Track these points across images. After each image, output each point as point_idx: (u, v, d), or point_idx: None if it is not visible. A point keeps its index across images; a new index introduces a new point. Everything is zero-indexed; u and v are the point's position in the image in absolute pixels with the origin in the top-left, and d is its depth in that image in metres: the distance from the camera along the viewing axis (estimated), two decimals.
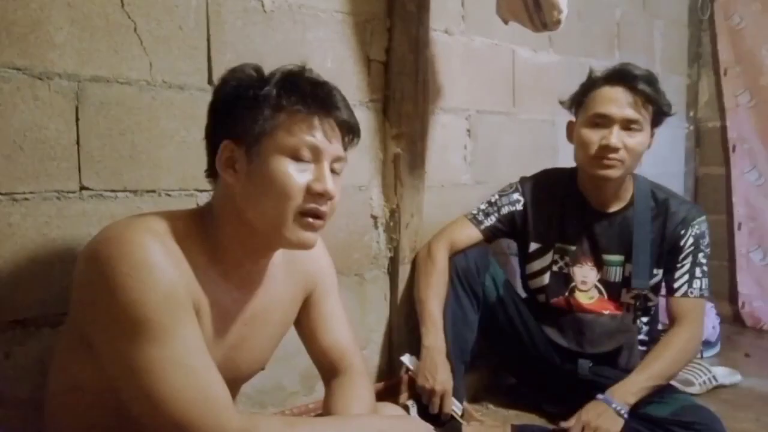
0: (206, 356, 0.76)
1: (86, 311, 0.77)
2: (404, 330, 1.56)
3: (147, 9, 1.08)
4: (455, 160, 1.74)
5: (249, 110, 0.81)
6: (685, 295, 1.45)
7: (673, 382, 1.46)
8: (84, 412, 0.82)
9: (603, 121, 1.41)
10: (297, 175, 0.81)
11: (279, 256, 0.93)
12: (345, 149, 0.87)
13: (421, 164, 1.56)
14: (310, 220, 0.82)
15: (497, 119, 1.86)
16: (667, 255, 1.48)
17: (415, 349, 1.45)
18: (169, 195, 1.13)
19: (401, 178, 1.52)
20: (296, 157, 0.81)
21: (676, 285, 1.46)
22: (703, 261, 1.47)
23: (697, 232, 1.47)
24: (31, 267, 0.99)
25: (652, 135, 1.46)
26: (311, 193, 0.81)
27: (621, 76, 1.41)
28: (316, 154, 0.82)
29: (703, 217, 1.49)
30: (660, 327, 1.65)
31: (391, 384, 1.48)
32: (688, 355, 1.44)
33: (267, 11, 1.26)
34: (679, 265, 1.47)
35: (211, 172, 0.87)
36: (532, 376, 1.61)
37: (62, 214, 1.01)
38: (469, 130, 1.77)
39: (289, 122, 0.81)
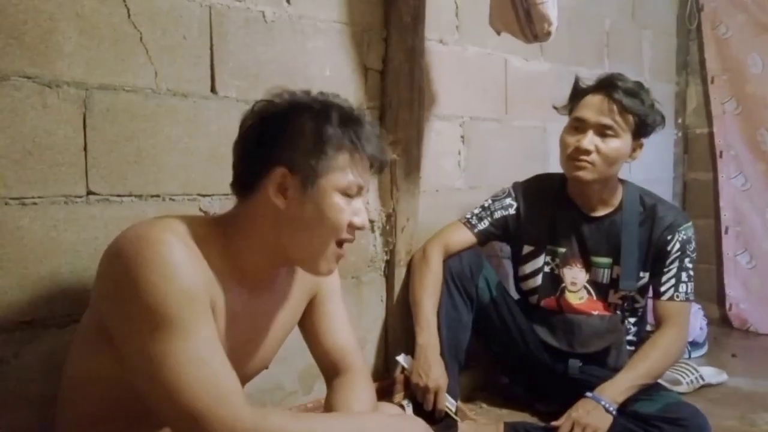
0: (221, 351, 0.79)
1: (108, 305, 0.80)
2: (400, 331, 1.59)
3: (152, 19, 1.12)
4: (449, 166, 1.79)
5: (310, 145, 0.85)
6: (671, 298, 1.50)
7: (660, 381, 1.51)
8: (97, 402, 0.86)
9: (580, 125, 1.48)
10: (346, 211, 0.87)
11: None
12: None
13: (416, 169, 1.60)
14: (341, 251, 0.90)
15: (490, 126, 1.91)
16: (654, 260, 1.52)
17: (411, 350, 1.49)
18: (173, 199, 1.16)
19: (397, 183, 1.56)
20: (347, 194, 0.88)
21: (662, 289, 1.51)
22: (689, 266, 1.52)
23: (684, 237, 1.51)
24: (38, 269, 1.01)
25: (637, 146, 1.51)
26: (351, 227, 0.89)
27: (603, 85, 1.48)
28: (359, 191, 0.90)
29: (690, 224, 1.54)
30: (648, 328, 1.69)
31: (386, 384, 1.51)
32: (674, 356, 1.48)
33: (268, 22, 1.30)
34: (666, 270, 1.51)
35: (242, 186, 0.89)
36: (524, 376, 1.65)
37: (70, 218, 1.04)
38: (462, 137, 1.81)
39: (347, 163, 0.87)
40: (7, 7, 0.96)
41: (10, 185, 0.98)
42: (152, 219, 0.85)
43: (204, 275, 0.82)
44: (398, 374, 1.54)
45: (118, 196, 1.10)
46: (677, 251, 1.51)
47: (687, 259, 1.51)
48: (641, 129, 1.49)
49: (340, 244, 0.89)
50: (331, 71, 1.43)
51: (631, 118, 1.46)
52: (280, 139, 0.86)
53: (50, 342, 1.02)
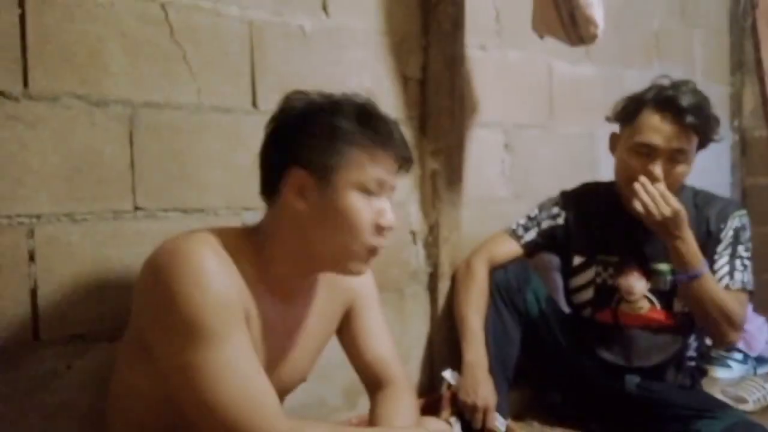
0: (256, 362, 0.79)
1: (147, 317, 0.81)
2: (445, 346, 1.55)
3: (194, 37, 1.14)
4: (492, 175, 1.75)
5: (323, 141, 0.83)
6: (726, 287, 1.39)
7: (725, 399, 1.42)
8: (142, 416, 0.87)
9: (648, 151, 1.37)
10: (367, 211, 0.84)
11: None
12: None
13: (458, 179, 1.58)
14: (370, 257, 0.87)
15: (534, 133, 1.86)
16: (710, 252, 1.44)
17: (457, 365, 1.45)
18: (216, 214, 1.17)
19: (439, 194, 1.53)
20: (365, 190, 0.84)
21: (717, 276, 1.40)
22: (744, 254, 1.42)
23: (737, 224, 1.43)
24: (88, 284, 1.04)
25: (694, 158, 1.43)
26: (377, 228, 0.85)
27: (668, 105, 1.36)
28: (381, 188, 0.86)
29: (743, 211, 1.46)
30: (708, 342, 1.60)
31: (432, 400, 1.48)
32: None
33: (306, 35, 1.30)
34: (717, 257, 1.42)
35: (267, 192, 0.89)
36: (577, 393, 1.58)
37: (117, 233, 1.06)
38: (506, 144, 1.77)
39: (362, 157, 0.84)
40: (58, 32, 1.00)
41: (62, 202, 1.01)
42: (187, 232, 0.86)
43: (237, 286, 0.81)
44: (444, 390, 1.50)
45: (164, 210, 1.11)
46: (730, 237, 1.42)
47: (741, 247, 1.42)
48: (704, 144, 1.41)
49: (370, 251, 0.86)
50: (370, 82, 1.42)
51: (697, 137, 1.37)
52: (295, 140, 0.85)
53: (100, 355, 1.04)
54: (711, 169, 2.47)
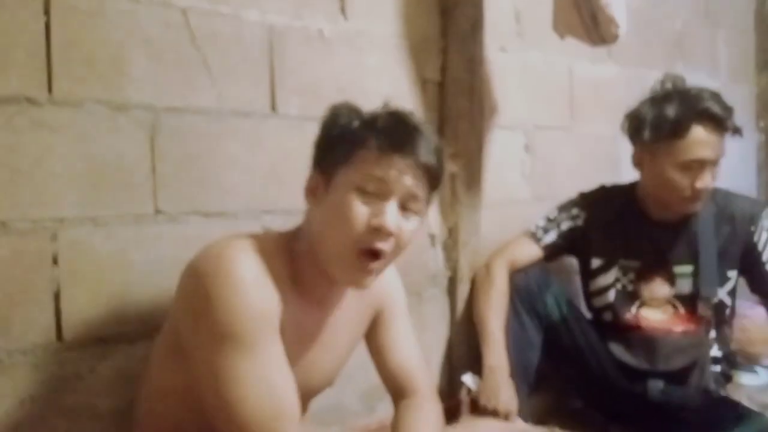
0: (285, 371, 0.80)
1: (183, 319, 0.82)
2: (464, 350, 1.54)
3: (215, 42, 1.15)
4: (513, 177, 1.73)
5: (335, 144, 0.86)
6: None
7: (751, 405, 1.39)
8: (172, 415, 0.88)
9: (695, 164, 1.37)
10: (360, 209, 0.81)
11: None
12: (428, 192, 0.86)
13: (478, 182, 1.56)
14: (367, 264, 0.83)
15: (556, 134, 1.84)
16: (744, 256, 1.45)
17: (476, 369, 1.43)
18: (236, 217, 1.18)
19: (458, 196, 1.52)
20: (364, 191, 0.82)
21: None
22: None
23: None
24: (110, 287, 1.05)
25: None
26: (370, 228, 0.81)
27: (710, 117, 1.36)
28: (383, 190, 0.82)
29: None
30: (734, 346, 1.57)
31: (451, 405, 1.47)
32: None
33: (326, 39, 1.31)
34: (764, 260, 1.44)
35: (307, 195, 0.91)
36: (599, 398, 1.56)
37: (139, 236, 1.07)
38: (526, 146, 1.76)
39: (367, 158, 0.82)
40: (83, 38, 1.01)
41: (85, 205, 1.02)
42: (229, 237, 0.86)
43: (273, 294, 0.82)
44: (464, 395, 1.48)
45: (185, 214, 1.12)
46: (766, 240, 1.43)
47: None
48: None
49: (363, 254, 0.82)
50: (389, 85, 1.42)
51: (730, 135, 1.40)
52: (317, 146, 0.89)
53: (122, 358, 1.05)
54: (736, 170, 2.42)
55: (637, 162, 1.48)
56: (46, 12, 0.98)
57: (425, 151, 0.84)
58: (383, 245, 0.82)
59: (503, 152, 1.68)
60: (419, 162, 0.83)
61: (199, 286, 0.78)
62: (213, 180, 1.15)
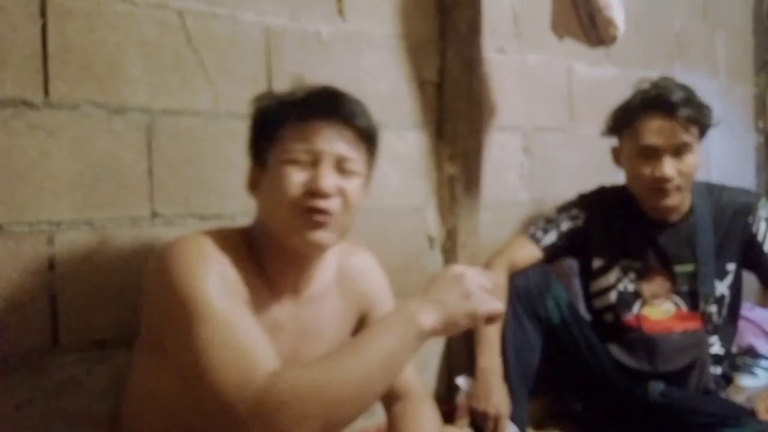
0: (253, 331, 0.77)
1: (154, 307, 0.83)
2: (462, 352, 1.54)
3: (212, 44, 1.14)
4: (511, 179, 1.73)
5: (259, 131, 0.89)
6: None
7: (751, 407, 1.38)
8: (158, 419, 0.87)
9: (651, 153, 1.39)
10: (294, 176, 0.84)
11: (332, 273, 0.95)
12: (364, 149, 0.89)
13: (476, 184, 1.56)
14: (312, 216, 0.83)
15: (554, 136, 1.84)
16: (744, 248, 1.46)
17: (474, 372, 1.43)
18: (233, 219, 1.17)
19: (457, 199, 1.52)
20: (294, 162, 0.84)
21: None
22: None
23: (766, 215, 1.45)
24: (107, 290, 1.05)
25: (702, 147, 1.45)
26: (308, 193, 0.83)
27: (659, 104, 1.38)
28: (315, 157, 0.84)
29: (764, 200, 1.48)
30: (734, 350, 1.57)
31: (448, 408, 1.46)
32: None
33: (323, 40, 1.30)
34: (767, 249, 1.44)
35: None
36: (600, 401, 1.55)
37: (135, 239, 1.07)
38: (525, 148, 1.75)
39: (288, 133, 0.85)
40: (79, 41, 1.01)
41: (81, 208, 1.02)
42: (191, 232, 0.87)
43: (237, 275, 0.82)
44: (460, 398, 1.48)
45: (182, 217, 1.12)
46: (765, 230, 1.44)
47: None
48: (704, 131, 1.43)
49: (305, 212, 0.83)
50: (387, 86, 1.42)
51: (696, 127, 1.40)
52: (249, 143, 0.91)
53: (119, 361, 1.05)
54: (735, 172, 2.42)
55: (615, 159, 1.52)
56: (43, 14, 0.98)
57: (348, 111, 0.87)
58: (324, 204, 0.83)
59: (502, 154, 1.68)
60: (344, 122, 0.86)
61: (160, 269, 0.80)
62: (210, 182, 1.15)
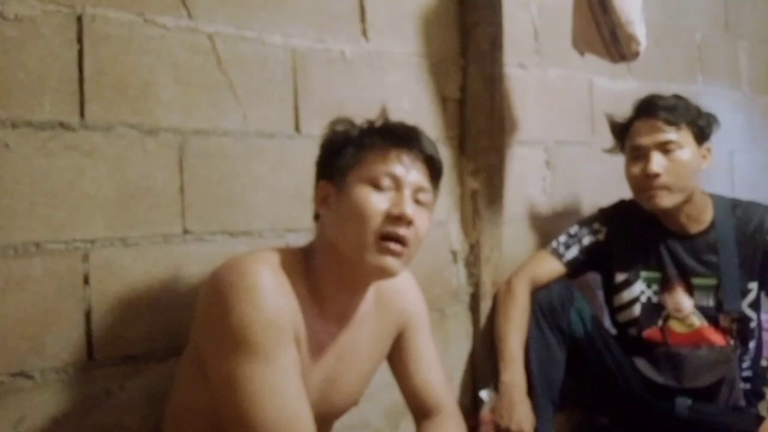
0: (298, 384, 0.80)
1: (201, 330, 0.85)
2: (487, 366, 1.53)
3: (240, 65, 1.17)
4: (534, 193, 1.73)
5: (339, 151, 0.91)
6: None
7: None
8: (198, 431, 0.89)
9: (639, 153, 1.43)
10: (376, 200, 0.85)
11: (372, 294, 0.96)
12: (433, 182, 0.92)
13: (499, 198, 1.57)
14: (390, 244, 0.84)
15: (576, 149, 1.83)
16: (762, 266, 1.43)
17: (498, 386, 1.42)
18: (261, 236, 1.19)
19: (480, 213, 1.53)
20: (376, 185, 0.86)
21: None
22: None
23: None
24: (138, 306, 1.07)
25: (706, 152, 1.46)
26: (389, 218, 0.85)
27: (644, 108, 1.45)
28: (396, 183, 0.87)
29: None
30: (764, 363, 1.54)
31: (473, 423, 1.45)
32: None
33: (347, 60, 1.33)
34: None
35: (315, 215, 0.95)
36: (626, 417, 1.53)
37: (167, 256, 1.10)
38: (547, 162, 1.76)
39: (370, 156, 0.88)
40: (114, 64, 1.05)
41: (115, 226, 1.05)
42: (247, 252, 0.89)
43: (291, 306, 0.83)
44: (485, 413, 1.47)
45: (212, 234, 1.14)
46: None
47: None
48: (699, 133, 1.44)
49: (383, 237, 0.84)
50: (410, 103, 1.44)
51: (684, 126, 1.42)
52: (322, 158, 0.94)
53: (151, 375, 1.07)
54: (758, 181, 2.39)
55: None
56: (79, 40, 1.02)
57: (427, 145, 0.90)
58: (404, 232, 0.85)
59: (523, 168, 1.69)
60: (423, 155, 0.89)
61: (216, 295, 0.81)
62: (239, 200, 1.17)
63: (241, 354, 0.77)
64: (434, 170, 0.91)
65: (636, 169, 1.43)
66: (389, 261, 0.85)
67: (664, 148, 1.40)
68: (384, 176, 0.86)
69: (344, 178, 0.88)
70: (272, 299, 0.80)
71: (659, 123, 1.41)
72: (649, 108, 1.44)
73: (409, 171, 0.87)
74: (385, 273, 0.87)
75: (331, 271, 0.88)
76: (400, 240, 0.85)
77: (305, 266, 0.89)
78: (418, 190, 0.88)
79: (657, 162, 1.39)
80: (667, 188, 1.40)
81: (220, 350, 0.80)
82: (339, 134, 0.92)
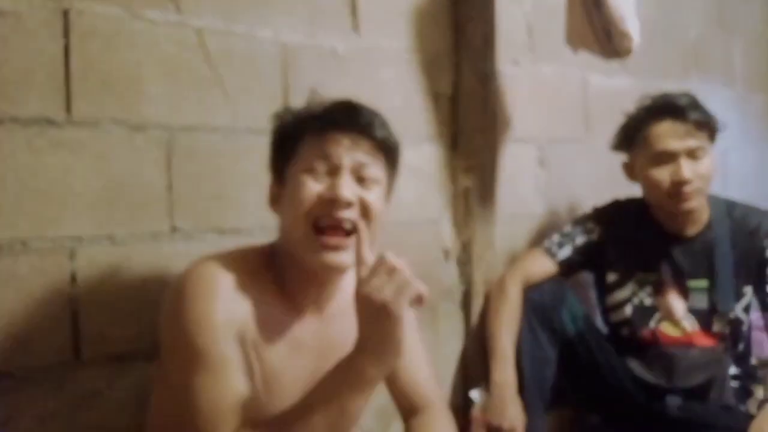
0: (230, 385, 0.80)
1: (163, 333, 0.85)
2: (479, 365, 1.53)
3: (229, 61, 1.16)
4: (526, 191, 1.73)
5: (280, 145, 0.91)
6: None
7: None
8: None
9: (668, 157, 1.39)
10: (310, 185, 0.83)
11: (352, 285, 0.95)
12: (383, 160, 0.88)
13: (491, 196, 1.56)
14: (324, 239, 0.82)
15: (570, 147, 1.83)
16: (757, 271, 1.43)
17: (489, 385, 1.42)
18: (251, 234, 1.18)
19: (472, 211, 1.52)
20: (311, 171, 0.84)
21: None
22: None
23: None
24: (128, 305, 1.06)
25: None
26: (322, 202, 0.82)
27: (669, 109, 1.40)
28: (332, 167, 0.83)
29: None
30: (754, 361, 1.54)
31: (464, 422, 1.45)
32: None
33: (339, 55, 1.32)
34: None
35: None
36: (617, 416, 1.53)
37: (155, 254, 1.08)
38: (540, 160, 1.75)
39: (307, 145, 0.86)
40: (100, 60, 1.03)
41: (102, 224, 1.03)
42: (212, 253, 0.88)
43: (248, 307, 0.83)
44: (475, 412, 1.47)
45: (201, 231, 1.13)
46: None
47: None
48: (714, 137, 1.44)
49: (317, 230, 0.82)
50: (402, 99, 1.43)
51: (706, 131, 1.41)
52: (269, 157, 0.93)
53: (138, 375, 1.06)
54: (755, 182, 2.39)
55: (629, 174, 1.51)
56: (66, 34, 1.00)
57: (365, 122, 0.86)
58: (344, 214, 0.81)
59: (517, 166, 1.68)
60: (362, 133, 0.85)
61: (169, 301, 0.83)
62: (228, 197, 1.16)
63: (187, 360, 0.79)
64: (381, 145, 0.86)
65: (664, 175, 1.39)
66: (329, 257, 0.82)
67: (692, 153, 1.38)
68: (318, 161, 0.83)
69: (285, 173, 0.88)
70: (226, 299, 0.81)
71: (689, 126, 1.38)
72: (674, 109, 1.39)
73: (347, 152, 0.83)
74: (330, 269, 0.84)
75: (293, 267, 0.88)
76: (337, 227, 0.81)
77: (269, 263, 0.89)
78: (360, 166, 0.84)
79: (688, 168, 1.37)
80: (698, 192, 1.40)
81: (168, 355, 0.83)
82: (277, 129, 0.92)
